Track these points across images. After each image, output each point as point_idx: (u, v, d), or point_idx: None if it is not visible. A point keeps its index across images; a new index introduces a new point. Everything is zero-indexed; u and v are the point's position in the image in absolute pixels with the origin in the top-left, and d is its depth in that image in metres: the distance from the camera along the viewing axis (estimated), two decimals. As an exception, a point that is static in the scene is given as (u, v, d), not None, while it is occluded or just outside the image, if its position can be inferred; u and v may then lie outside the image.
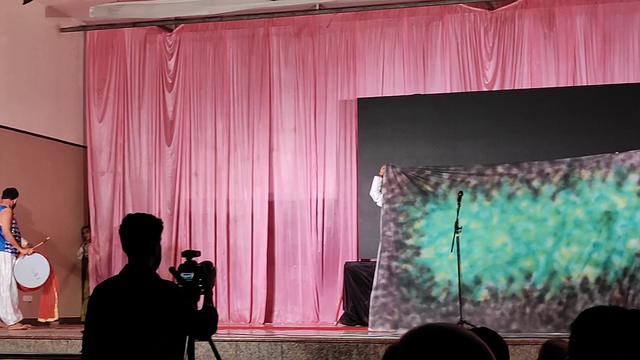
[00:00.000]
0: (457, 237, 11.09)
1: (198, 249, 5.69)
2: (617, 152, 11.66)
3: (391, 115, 14.83)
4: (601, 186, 11.48)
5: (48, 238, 14.16)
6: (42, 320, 13.92)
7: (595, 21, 14.58)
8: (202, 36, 16.22)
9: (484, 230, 11.71)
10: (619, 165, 11.49)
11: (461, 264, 11.23)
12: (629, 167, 11.45)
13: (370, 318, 11.81)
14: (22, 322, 13.29)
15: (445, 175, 12.03)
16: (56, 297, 13.89)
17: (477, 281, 11.63)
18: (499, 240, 11.65)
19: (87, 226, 16.29)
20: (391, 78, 15.39)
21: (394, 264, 11.86)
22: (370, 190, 12.73)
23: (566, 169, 11.66)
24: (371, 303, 11.88)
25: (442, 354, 1.71)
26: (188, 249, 5.88)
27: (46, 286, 13.77)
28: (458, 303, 11.31)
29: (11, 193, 13.52)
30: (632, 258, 11.16)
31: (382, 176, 12.35)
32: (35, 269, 13.47)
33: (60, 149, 16.05)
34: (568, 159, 11.77)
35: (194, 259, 5.38)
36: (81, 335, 4.90)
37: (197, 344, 5.67)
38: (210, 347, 5.89)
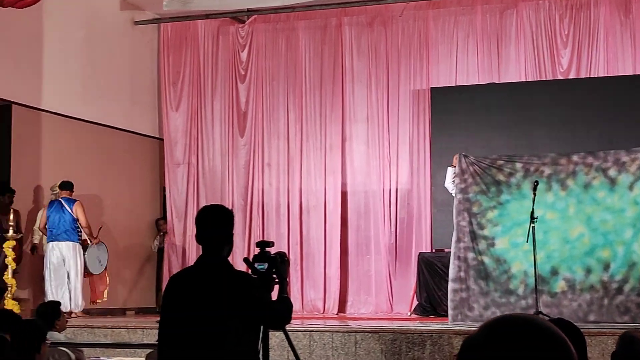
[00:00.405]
0: (533, 228, 10.96)
1: (271, 240, 5.70)
2: None
3: (465, 104, 14.72)
4: None
5: (102, 226, 14.36)
6: (92, 302, 14.14)
7: (674, 6, 14.30)
8: (275, 27, 16.27)
9: (560, 221, 11.53)
10: None
11: (537, 255, 11.10)
12: None
13: (450, 312, 11.69)
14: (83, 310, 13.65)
15: (519, 165, 11.86)
16: (108, 281, 14.11)
17: (554, 272, 11.47)
18: (575, 230, 11.46)
19: (163, 218, 16.47)
20: (465, 67, 15.27)
21: (470, 255, 11.73)
22: (445, 181, 12.64)
23: None
24: (450, 296, 11.76)
25: (520, 345, 1.70)
26: (261, 239, 5.91)
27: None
28: (535, 295, 11.18)
29: (70, 185, 13.65)
30: None
31: (455, 166, 12.24)
32: (100, 256, 13.79)
33: (136, 141, 16.26)
34: None
35: (267, 249, 5.40)
36: (156, 325, 4.96)
37: (271, 334, 5.70)
38: (284, 337, 5.92)
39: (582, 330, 4.01)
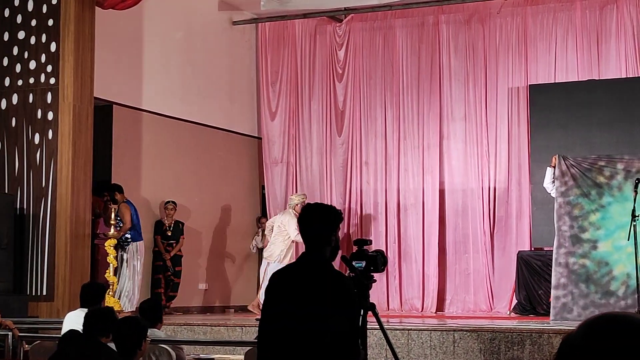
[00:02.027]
0: (634, 226, 10.78)
1: (369, 238, 5.74)
2: None
3: (564, 101, 14.54)
4: None
5: None
6: None
7: None
8: (372, 26, 16.30)
9: None
10: None
11: (639, 255, 10.91)
12: None
13: (552, 318, 11.60)
14: None
15: (620, 166, 11.66)
16: None
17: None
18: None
19: (264, 215, 16.61)
20: (564, 64, 15.08)
21: (572, 260, 11.60)
22: (544, 181, 12.50)
23: None
24: (552, 303, 11.67)
25: (619, 342, 1.70)
26: (359, 237, 5.94)
27: None
28: (637, 295, 11.00)
29: (121, 188, 13.72)
30: None
31: (554, 167, 12.08)
32: None
33: (235, 140, 16.45)
34: None
35: (365, 247, 5.43)
36: (256, 323, 5.02)
37: (369, 332, 5.73)
38: (382, 335, 5.95)
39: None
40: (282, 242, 14.07)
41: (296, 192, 16.32)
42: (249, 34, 16.99)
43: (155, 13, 14.77)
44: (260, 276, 14.55)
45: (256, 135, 16.91)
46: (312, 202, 5.33)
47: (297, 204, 14.26)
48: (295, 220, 13.95)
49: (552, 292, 11.68)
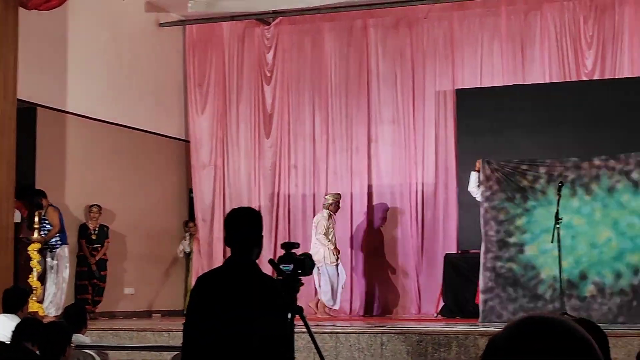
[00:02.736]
0: (558, 229, 10.94)
1: (298, 241, 5.73)
2: None
3: (490, 105, 14.71)
4: None
5: None
6: None
7: (702, 6, 14.23)
8: (300, 29, 16.30)
9: (587, 226, 11.50)
10: None
11: (566, 260, 11.10)
12: None
13: (480, 321, 11.72)
14: None
15: (542, 170, 11.83)
16: None
17: (583, 277, 11.44)
18: (603, 235, 11.43)
19: (191, 219, 16.50)
20: (490, 68, 15.27)
21: (499, 264, 11.74)
22: (468, 185, 12.63)
23: None
24: (480, 306, 11.79)
25: (544, 344, 1.71)
26: (287, 241, 5.92)
27: None
28: (564, 299, 11.17)
29: (44, 193, 13.52)
30: None
31: (478, 171, 12.22)
32: None
33: (162, 143, 16.31)
34: None
35: (293, 250, 5.42)
36: (182, 328, 4.98)
37: (297, 336, 5.71)
38: (310, 339, 5.94)
39: (607, 331, 4.01)
40: (327, 242, 14.19)
41: (223, 195, 16.26)
42: (176, 35, 16.86)
43: (81, 14, 14.57)
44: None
45: (184, 138, 16.79)
46: (235, 207, 5.32)
47: (331, 204, 14.33)
48: (326, 221, 14.05)
49: (481, 295, 11.80)
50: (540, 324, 1.74)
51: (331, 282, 14.14)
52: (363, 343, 10.13)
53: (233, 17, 16.21)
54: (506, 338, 1.74)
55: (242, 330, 4.68)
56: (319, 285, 14.25)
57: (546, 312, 11.26)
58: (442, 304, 14.18)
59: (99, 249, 14.38)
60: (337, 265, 14.20)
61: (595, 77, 14.73)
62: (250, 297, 4.73)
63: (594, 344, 1.74)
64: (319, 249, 14.07)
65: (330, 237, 14.17)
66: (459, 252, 14.66)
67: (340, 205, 14.59)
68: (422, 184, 15.43)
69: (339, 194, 14.74)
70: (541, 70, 14.97)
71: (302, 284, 5.45)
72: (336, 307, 14.27)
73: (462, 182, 14.28)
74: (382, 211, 15.60)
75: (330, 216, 14.31)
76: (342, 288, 14.39)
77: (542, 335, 1.72)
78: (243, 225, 4.94)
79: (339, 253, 14.27)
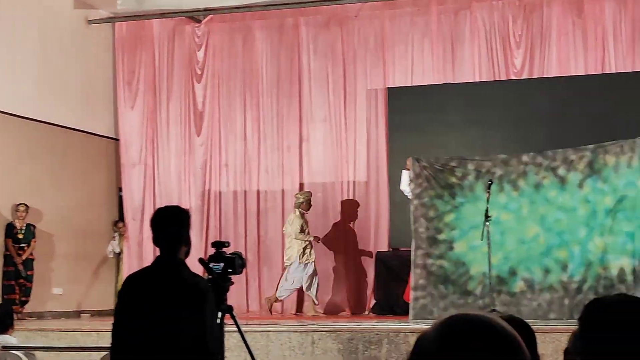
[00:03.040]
0: (487, 226, 11.05)
1: (229, 240, 5.69)
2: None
3: (421, 104, 14.82)
4: (627, 171, 11.34)
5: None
6: None
7: (625, 7, 14.47)
8: (231, 27, 16.23)
9: (515, 222, 11.64)
10: None
11: (495, 256, 11.21)
12: None
13: (411, 319, 11.78)
14: None
15: (471, 167, 11.94)
16: None
17: (512, 272, 11.57)
18: (530, 231, 11.57)
19: (121, 219, 16.33)
20: (420, 67, 15.35)
21: (429, 261, 11.81)
22: (400, 184, 12.70)
23: (590, 156, 11.52)
24: (411, 304, 11.83)
25: (471, 342, 1.72)
26: (218, 240, 5.91)
27: None
28: (493, 294, 11.28)
29: None
30: None
31: (409, 169, 12.29)
32: None
33: (91, 142, 16.12)
34: (591, 146, 11.64)
35: (223, 249, 5.39)
36: (111, 328, 4.93)
37: (227, 335, 5.69)
38: (240, 337, 5.91)
39: (535, 327, 4.06)
40: (296, 243, 14.12)
41: (154, 194, 16.12)
42: (106, 33, 16.67)
43: (7, 9, 14.34)
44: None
45: (113, 136, 16.61)
46: (161, 206, 5.26)
47: (302, 202, 14.23)
48: (299, 220, 13.97)
49: (412, 293, 11.85)
50: (467, 323, 1.75)
51: (304, 279, 14.14)
52: (294, 341, 10.12)
53: (163, 15, 16.08)
54: (434, 338, 1.74)
55: (169, 330, 4.64)
56: (290, 281, 14.27)
57: (475, 309, 11.37)
58: (373, 301, 14.23)
59: (26, 248, 14.16)
60: (308, 263, 14.15)
61: (524, 76, 14.91)
62: (178, 296, 4.69)
63: (520, 341, 1.75)
64: (293, 247, 14.07)
65: (306, 234, 14.15)
66: (391, 250, 14.73)
67: (312, 203, 14.54)
68: (354, 183, 15.47)
69: (309, 192, 14.70)
70: (471, 69, 15.10)
71: (232, 283, 5.43)
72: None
73: (394, 180, 14.36)
74: (313, 209, 15.58)
75: (302, 215, 14.27)
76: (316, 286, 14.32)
77: (469, 334, 1.72)
78: (169, 225, 4.90)
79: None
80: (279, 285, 14.40)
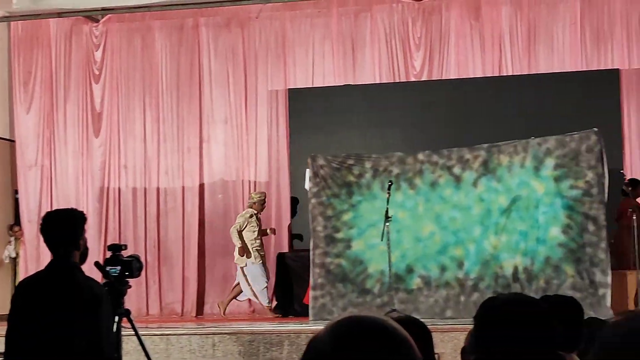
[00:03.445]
0: (388, 227, 11.14)
1: (128, 243, 5.64)
2: (533, 137, 11.78)
3: (322, 105, 14.89)
4: (520, 171, 11.59)
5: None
6: None
7: (520, 12, 14.75)
8: (130, 27, 16.03)
9: (411, 220, 11.78)
10: (536, 150, 11.60)
11: (392, 254, 11.30)
12: (545, 151, 11.56)
13: (311, 319, 11.80)
14: None
15: (368, 165, 12.04)
16: None
17: (410, 270, 11.70)
18: (426, 229, 11.73)
19: (17, 223, 15.99)
20: (321, 68, 15.40)
21: (328, 260, 11.87)
22: (305, 184, 12.72)
23: (485, 155, 11.74)
24: (311, 303, 11.86)
25: (363, 343, 1.74)
26: (117, 242, 5.81)
27: None
28: (391, 292, 11.38)
29: None
30: (555, 248, 11.31)
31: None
32: None
33: (-14, 143, 15.77)
34: (486, 145, 11.86)
35: (120, 252, 5.33)
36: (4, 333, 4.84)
37: (127, 339, 5.62)
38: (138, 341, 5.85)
39: (434, 326, 4.11)
40: (237, 240, 13.87)
41: (51, 196, 15.83)
42: (1, 32, 16.32)
43: None
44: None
45: (8, 137, 16.26)
46: (51, 210, 5.18)
47: (255, 202, 13.97)
48: (244, 218, 13.68)
49: (311, 292, 11.90)
50: (359, 325, 1.76)
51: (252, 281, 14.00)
52: (194, 344, 10.06)
53: (60, 14, 15.79)
54: (327, 340, 1.76)
55: (61, 333, 4.57)
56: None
57: (374, 307, 11.45)
58: (275, 303, 14.23)
59: None
60: (254, 264, 14.00)
61: (424, 78, 15.09)
62: (70, 300, 4.62)
63: (411, 341, 1.77)
64: (243, 247, 13.94)
65: (248, 236, 13.92)
66: (291, 251, 14.74)
67: (265, 204, 14.34)
68: (255, 184, 15.44)
69: (263, 193, 14.49)
70: (371, 70, 15.21)
71: (130, 287, 5.37)
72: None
73: (295, 181, 14.40)
74: (214, 211, 15.53)
75: (252, 215, 14.06)
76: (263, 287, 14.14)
77: (361, 335, 1.74)
78: (60, 228, 4.81)
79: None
80: (244, 287, 14.15)
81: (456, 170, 11.77)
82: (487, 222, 11.57)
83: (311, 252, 11.96)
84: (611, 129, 13.50)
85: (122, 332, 5.40)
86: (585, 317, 4.60)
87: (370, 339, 1.74)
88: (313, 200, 12.06)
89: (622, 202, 12.82)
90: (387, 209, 11.22)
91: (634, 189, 12.87)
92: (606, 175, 11.37)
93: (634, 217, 11.93)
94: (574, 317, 4.36)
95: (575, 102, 14.03)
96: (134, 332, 5.74)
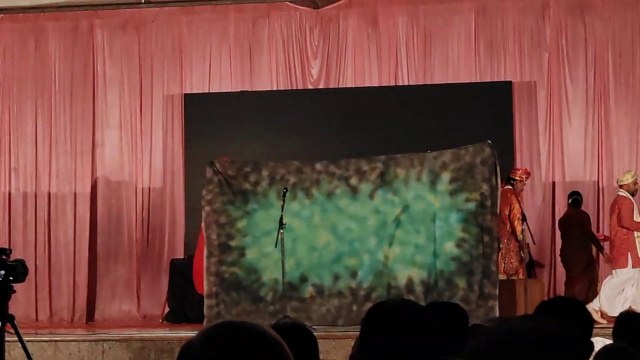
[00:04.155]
0: (282, 233, 11.14)
1: (18, 247, 5.51)
2: (429, 151, 11.92)
3: (218, 111, 14.82)
4: (416, 185, 11.70)
5: None
6: None
7: (417, 22, 14.93)
8: (23, 27, 15.69)
9: (306, 229, 11.79)
10: (432, 163, 11.73)
11: (287, 263, 11.30)
12: (440, 165, 11.69)
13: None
14: None
15: (265, 173, 12.02)
16: None
17: (303, 279, 11.71)
18: (322, 239, 11.74)
19: None
20: (218, 74, 15.34)
21: (222, 268, 11.79)
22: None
23: (382, 167, 11.82)
24: (206, 312, 11.77)
25: (234, 348, 1.76)
26: (6, 247, 5.68)
27: None
28: (285, 301, 11.38)
29: None
30: (448, 261, 11.46)
31: None
32: None
33: None
34: (383, 157, 11.95)
35: (4, 257, 5.21)
36: None
37: (14, 344, 5.50)
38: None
39: (326, 333, 4.13)
40: None
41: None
42: None
43: None
44: None
45: None
46: None
47: None
48: None
49: (205, 301, 11.80)
50: (230, 330, 1.77)
51: None
52: (84, 351, 9.91)
53: (-51, 13, 15.42)
54: (198, 345, 1.76)
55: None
56: None
57: (266, 315, 11.44)
58: (167, 309, 14.10)
59: None
60: None
61: (321, 86, 15.15)
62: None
63: (284, 345, 1.78)
64: None
65: None
66: (186, 257, 14.63)
67: None
68: (150, 189, 15.29)
69: None
70: (268, 77, 15.21)
71: (14, 292, 5.26)
72: None
73: (189, 188, 14.31)
74: (106, 216, 15.32)
75: None
76: None
77: (232, 340, 1.75)
78: None
79: None
80: None
81: (353, 181, 11.82)
82: (382, 234, 11.64)
83: (205, 261, 11.85)
84: (503, 140, 13.78)
85: (7, 338, 5.29)
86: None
87: (241, 343, 1.75)
88: (207, 208, 11.96)
89: (572, 212, 13.14)
90: (282, 216, 11.22)
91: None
92: (499, 187, 11.57)
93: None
94: (458, 324, 4.42)
95: (469, 113, 14.27)
96: (17, 338, 5.61)
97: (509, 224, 12.47)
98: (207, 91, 15.24)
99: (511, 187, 12.70)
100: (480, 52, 14.88)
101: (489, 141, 11.67)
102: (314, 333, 4.08)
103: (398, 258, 11.56)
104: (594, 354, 4.69)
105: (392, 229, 11.63)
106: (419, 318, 2.99)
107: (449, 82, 14.77)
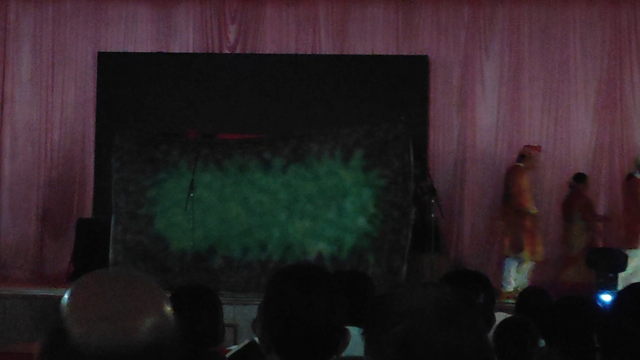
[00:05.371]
0: (192, 198, 11.06)
1: None
2: (342, 127, 11.97)
3: (133, 72, 14.66)
4: (329, 161, 11.72)
5: None
6: None
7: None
8: None
9: (217, 201, 11.74)
10: (345, 140, 11.76)
11: (196, 233, 11.23)
12: (354, 142, 11.73)
13: None
14: None
15: (177, 143, 11.94)
16: None
17: (212, 250, 11.66)
18: (232, 211, 11.71)
19: None
20: (134, 34, 15.12)
21: (128, 236, 11.68)
22: None
23: (295, 142, 11.83)
24: None
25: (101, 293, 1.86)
26: None
27: None
28: (193, 272, 11.32)
29: None
30: (361, 237, 11.52)
31: None
32: None
33: None
34: (298, 133, 11.99)
35: None
36: None
37: None
38: None
39: (234, 299, 4.14)
40: None
41: None
42: None
43: None
44: None
45: None
46: None
47: None
48: None
49: (111, 269, 11.68)
50: (97, 277, 1.92)
51: None
52: (-16, 308, 9.77)
53: None
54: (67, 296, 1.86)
55: None
56: None
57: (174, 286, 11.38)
58: (72, 269, 13.93)
59: None
60: None
61: (238, 51, 15.04)
62: None
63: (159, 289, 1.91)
64: None
65: None
66: (93, 217, 14.46)
67: None
68: (59, 148, 15.04)
69: None
70: (185, 39, 15.05)
71: None
72: None
73: (100, 148, 14.14)
74: (15, 174, 15.03)
75: None
76: None
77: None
78: None
79: None
80: None
81: (266, 155, 11.80)
82: (293, 207, 11.66)
83: (112, 228, 11.72)
84: (418, 114, 13.89)
85: None
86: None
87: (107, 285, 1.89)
88: (115, 176, 11.81)
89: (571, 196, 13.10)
90: (193, 179, 11.13)
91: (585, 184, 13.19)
92: (411, 164, 11.64)
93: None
94: (362, 291, 4.43)
95: (385, 85, 14.32)
96: None
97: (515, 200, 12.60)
98: (122, 50, 15.02)
99: (519, 164, 12.86)
100: (399, 24, 14.91)
101: (402, 118, 11.75)
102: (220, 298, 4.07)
103: (308, 232, 11.59)
104: (494, 326, 4.76)
105: (303, 203, 11.64)
106: (320, 281, 2.97)
107: (366, 54, 14.76)
